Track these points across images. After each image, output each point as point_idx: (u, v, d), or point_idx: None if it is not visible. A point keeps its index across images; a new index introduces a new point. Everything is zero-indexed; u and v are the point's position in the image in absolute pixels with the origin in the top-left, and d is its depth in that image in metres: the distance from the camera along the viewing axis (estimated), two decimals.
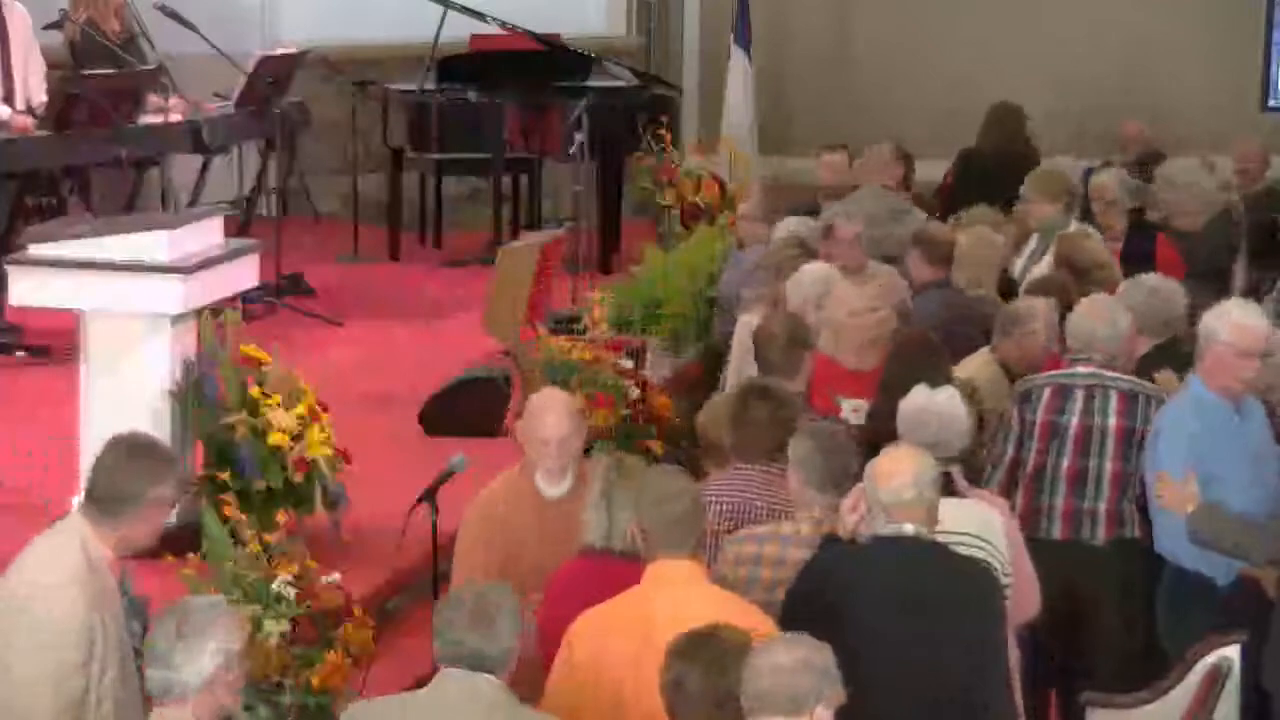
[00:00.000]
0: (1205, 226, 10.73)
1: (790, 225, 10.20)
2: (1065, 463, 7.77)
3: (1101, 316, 7.95)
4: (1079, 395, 7.80)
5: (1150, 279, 8.51)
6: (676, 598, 5.74)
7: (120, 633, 5.45)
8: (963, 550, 6.27)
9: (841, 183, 11.43)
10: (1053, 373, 7.98)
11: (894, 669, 5.81)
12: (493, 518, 6.78)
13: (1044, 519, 7.77)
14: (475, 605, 5.22)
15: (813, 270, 8.92)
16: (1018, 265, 10.31)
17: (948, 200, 12.93)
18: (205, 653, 4.95)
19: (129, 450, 5.55)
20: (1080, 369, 7.86)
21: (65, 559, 5.37)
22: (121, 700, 5.41)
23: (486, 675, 5.18)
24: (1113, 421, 7.75)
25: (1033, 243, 10.70)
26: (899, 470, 5.98)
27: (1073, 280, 9.09)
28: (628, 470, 6.35)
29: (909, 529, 5.96)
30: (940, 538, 6.11)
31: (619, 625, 5.74)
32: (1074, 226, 10.47)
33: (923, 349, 7.91)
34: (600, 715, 5.70)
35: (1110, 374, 7.82)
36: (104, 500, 5.46)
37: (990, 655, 5.98)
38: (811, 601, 5.94)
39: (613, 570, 6.09)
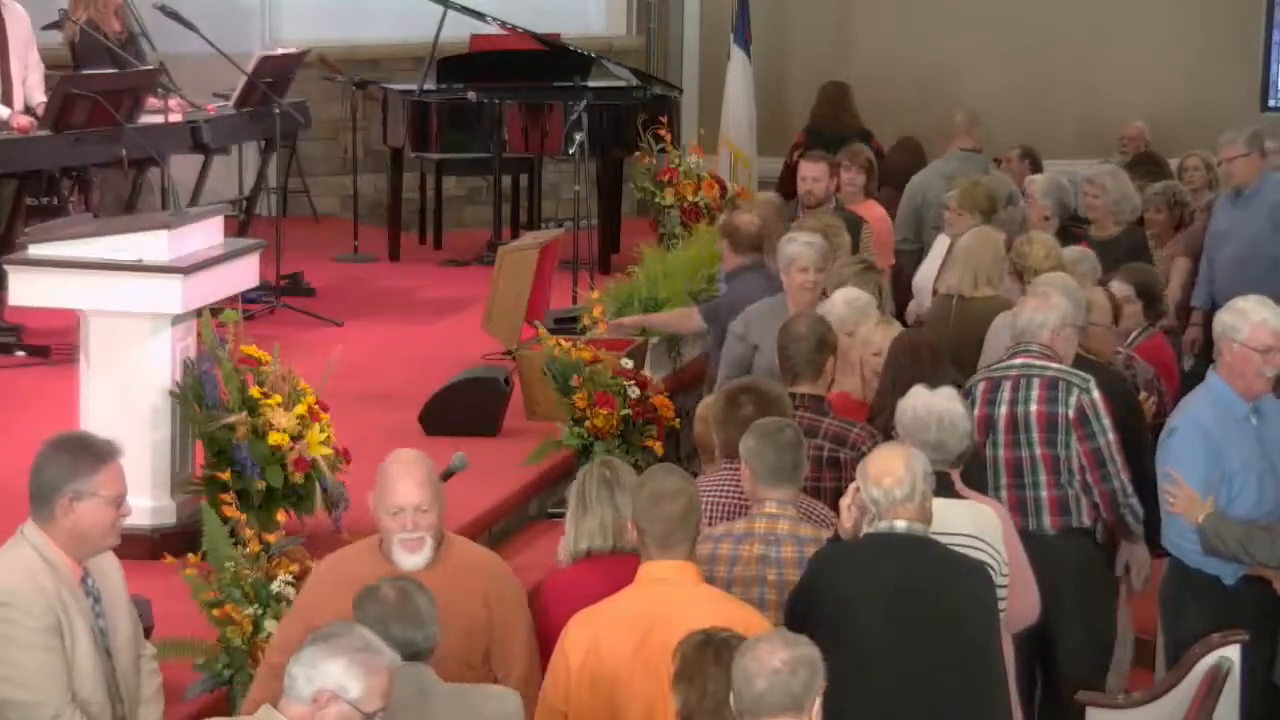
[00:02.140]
0: (1119, 236, 10.74)
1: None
2: (1001, 453, 7.81)
3: (1037, 308, 7.99)
4: (1007, 385, 7.85)
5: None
6: (670, 598, 5.74)
7: (90, 633, 5.49)
8: (960, 550, 6.27)
9: (824, 192, 11.39)
10: (990, 366, 8.03)
11: (888, 666, 5.81)
12: (348, 579, 5.91)
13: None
14: (400, 600, 5.30)
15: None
16: (921, 271, 10.32)
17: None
18: (324, 668, 4.88)
19: (53, 446, 5.59)
20: (1015, 360, 7.91)
21: (16, 559, 5.48)
22: (92, 694, 5.48)
23: (423, 664, 5.25)
24: (1034, 408, 7.78)
25: (938, 246, 10.74)
26: (890, 469, 5.99)
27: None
28: (620, 468, 6.36)
29: (900, 526, 5.97)
30: (939, 538, 6.12)
31: (611, 625, 5.75)
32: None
33: (924, 349, 7.92)
34: (593, 713, 5.70)
35: (1039, 363, 7.86)
36: (35, 497, 5.53)
37: (983, 651, 5.98)
38: (809, 601, 5.95)
39: (619, 567, 6.10)
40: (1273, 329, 7.33)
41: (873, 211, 11.82)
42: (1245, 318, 7.37)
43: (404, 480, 6.03)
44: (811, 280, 8.98)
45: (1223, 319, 7.44)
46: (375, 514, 6.07)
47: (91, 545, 5.54)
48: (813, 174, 11.36)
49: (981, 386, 7.90)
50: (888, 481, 5.97)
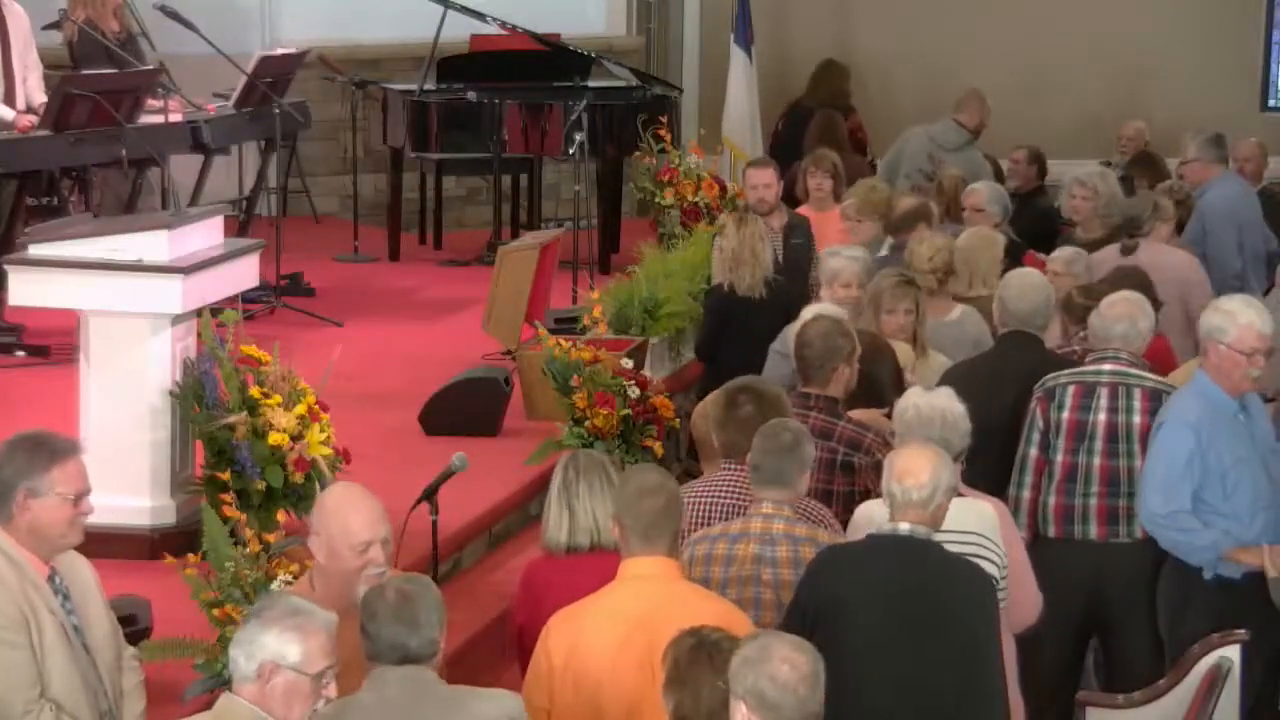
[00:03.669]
0: (1104, 239, 10.75)
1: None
2: (1097, 461, 7.78)
3: (1126, 314, 7.97)
4: (1103, 392, 7.82)
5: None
6: (652, 594, 5.74)
7: (60, 626, 5.48)
8: (962, 548, 6.28)
9: (774, 198, 11.33)
10: (1077, 370, 7.99)
11: (886, 667, 5.81)
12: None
13: (1078, 518, 7.79)
14: (398, 603, 5.26)
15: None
16: None
17: (776, 151, 14.14)
18: (259, 641, 4.92)
19: (9, 445, 5.59)
20: (1105, 366, 7.88)
21: None
22: (69, 691, 5.46)
23: (420, 667, 5.24)
24: (1138, 419, 7.75)
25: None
26: (916, 469, 6.01)
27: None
28: (586, 466, 6.37)
29: (904, 529, 5.97)
30: (939, 536, 6.13)
31: (594, 623, 5.76)
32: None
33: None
34: (577, 712, 5.71)
35: (1135, 372, 7.84)
36: None
37: (982, 653, 5.98)
38: (808, 602, 5.95)
39: (581, 566, 6.14)
40: (1259, 331, 7.35)
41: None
42: (1232, 319, 7.37)
43: (364, 510, 5.76)
44: (855, 295, 8.89)
45: (1209, 319, 7.44)
46: (331, 552, 5.75)
47: (51, 543, 5.52)
48: (762, 180, 11.24)
49: (1072, 390, 7.85)
50: (909, 481, 5.98)
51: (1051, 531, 7.83)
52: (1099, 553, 7.75)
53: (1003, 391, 8.10)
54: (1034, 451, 7.89)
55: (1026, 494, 7.88)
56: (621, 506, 5.90)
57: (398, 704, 5.17)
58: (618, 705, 5.63)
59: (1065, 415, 7.82)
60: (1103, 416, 7.78)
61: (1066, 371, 7.99)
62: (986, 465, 7.67)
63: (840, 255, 9.09)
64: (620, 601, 5.76)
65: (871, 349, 7.85)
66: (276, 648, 4.92)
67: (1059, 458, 7.83)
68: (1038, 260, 10.16)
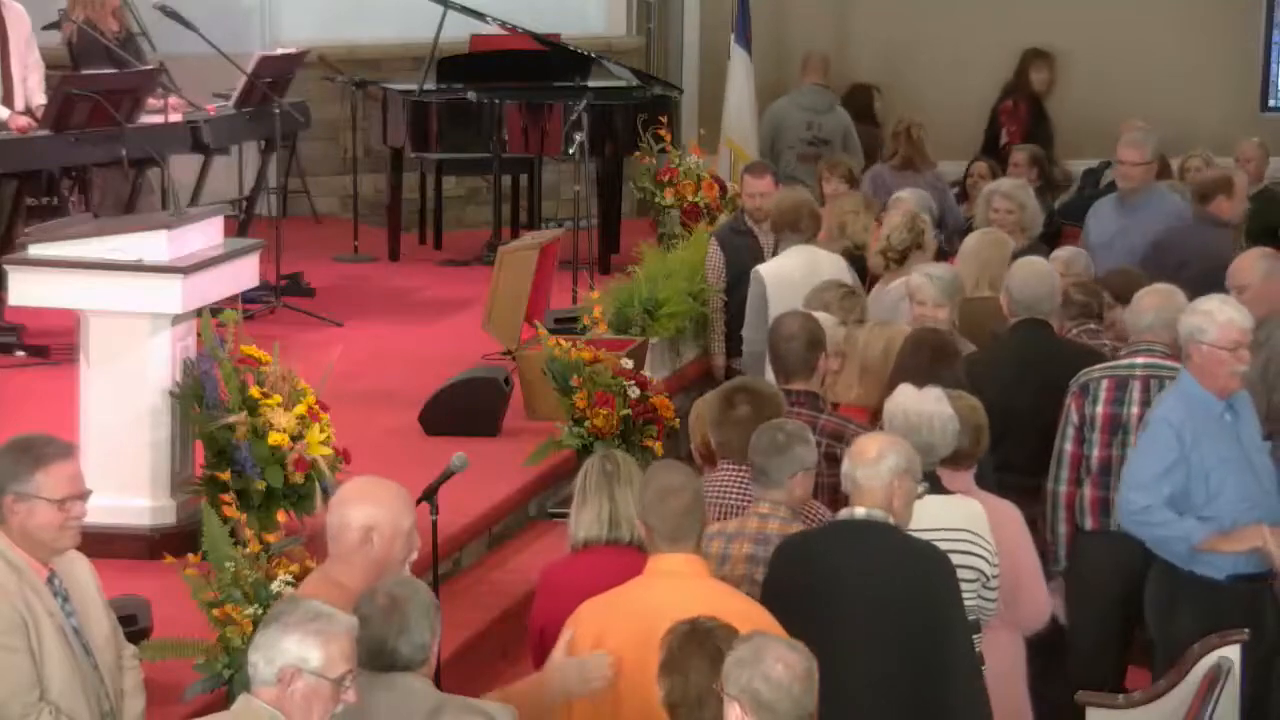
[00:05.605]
0: (1027, 249, 10.72)
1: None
2: (1130, 454, 7.78)
3: (1152, 305, 7.97)
4: (1136, 386, 7.85)
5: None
6: (677, 590, 5.74)
7: (59, 628, 5.47)
8: (948, 545, 6.30)
9: (768, 206, 11.29)
10: (1111, 364, 8.03)
11: (852, 651, 5.83)
12: None
13: (1113, 511, 7.80)
14: (388, 608, 5.24)
15: None
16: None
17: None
18: (280, 646, 4.92)
19: (0, 449, 5.58)
20: (1139, 359, 7.90)
21: None
22: (68, 693, 5.45)
23: (408, 675, 5.21)
24: None
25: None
26: (867, 451, 6.11)
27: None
28: (619, 465, 6.37)
29: (860, 512, 6.05)
30: (928, 534, 6.18)
31: (619, 615, 5.76)
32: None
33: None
34: (597, 703, 5.71)
35: (1169, 364, 7.84)
36: None
37: (948, 634, 6.02)
38: (773, 586, 6.02)
39: (599, 565, 6.13)
40: (1240, 326, 7.35)
41: None
42: (1211, 318, 7.37)
43: (406, 498, 5.79)
44: (931, 315, 8.73)
45: (1188, 321, 7.43)
46: (393, 548, 5.69)
47: (44, 546, 5.51)
48: (760, 189, 11.16)
49: (1105, 384, 7.88)
50: (859, 465, 6.08)
51: (1088, 524, 7.91)
52: (1135, 545, 7.75)
53: (1024, 380, 8.14)
54: (1069, 447, 7.95)
55: (1064, 489, 7.96)
56: (646, 507, 5.90)
57: (385, 712, 5.15)
58: (637, 697, 5.62)
59: (1100, 409, 7.88)
60: (1135, 410, 7.83)
61: (1100, 366, 8.02)
62: (1015, 452, 7.81)
63: (920, 272, 8.96)
64: (648, 596, 5.74)
65: (942, 350, 7.80)
66: (298, 652, 4.91)
67: (1095, 451, 7.89)
68: None
